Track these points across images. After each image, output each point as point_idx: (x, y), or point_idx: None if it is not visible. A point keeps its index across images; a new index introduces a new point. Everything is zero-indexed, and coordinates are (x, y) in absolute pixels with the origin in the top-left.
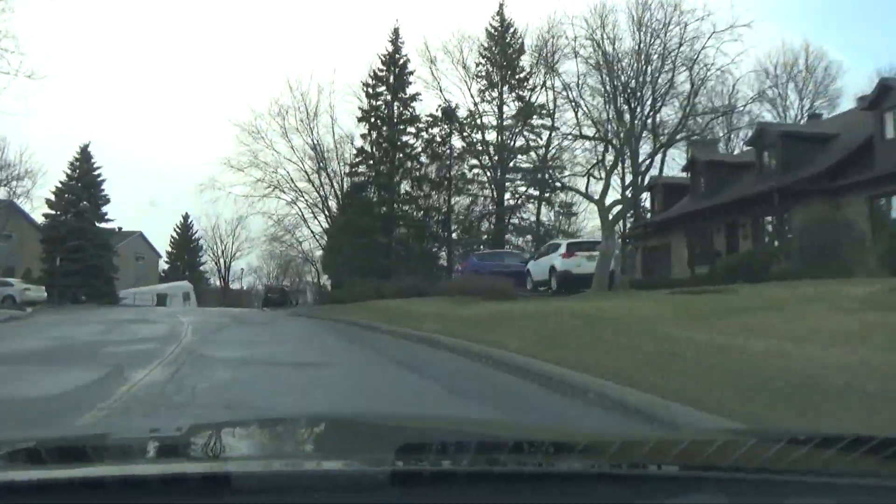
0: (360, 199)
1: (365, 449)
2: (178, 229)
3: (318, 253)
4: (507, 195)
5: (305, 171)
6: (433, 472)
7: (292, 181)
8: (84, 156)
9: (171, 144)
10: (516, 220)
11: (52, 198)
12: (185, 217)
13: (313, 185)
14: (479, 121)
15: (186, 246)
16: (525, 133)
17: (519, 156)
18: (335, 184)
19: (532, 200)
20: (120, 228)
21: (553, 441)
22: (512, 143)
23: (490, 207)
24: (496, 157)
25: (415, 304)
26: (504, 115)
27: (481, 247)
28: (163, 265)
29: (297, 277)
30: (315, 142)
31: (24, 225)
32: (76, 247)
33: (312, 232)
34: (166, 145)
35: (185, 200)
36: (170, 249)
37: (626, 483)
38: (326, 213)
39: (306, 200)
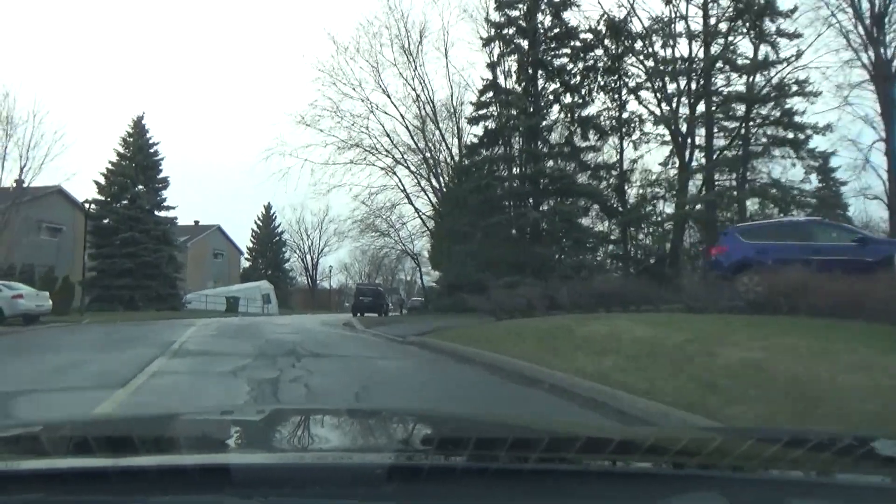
0: (489, 159)
1: (365, 443)
2: (259, 222)
3: (422, 243)
4: (719, 141)
5: (407, 128)
6: (431, 466)
7: (388, 137)
8: (138, 129)
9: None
10: (727, 181)
11: (102, 181)
12: (268, 208)
13: (418, 149)
14: (670, 29)
15: (269, 241)
16: (753, 41)
17: (733, 75)
18: (447, 144)
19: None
20: (197, 222)
21: (551, 438)
22: (722, 57)
23: (692, 160)
24: (699, 82)
25: (689, 335)
26: (712, 19)
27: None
28: (244, 263)
29: (391, 275)
30: (420, 81)
31: (77, 217)
32: (128, 239)
33: (417, 210)
34: (240, 126)
35: (270, 190)
36: (251, 245)
37: (625, 481)
38: (437, 183)
39: (410, 166)
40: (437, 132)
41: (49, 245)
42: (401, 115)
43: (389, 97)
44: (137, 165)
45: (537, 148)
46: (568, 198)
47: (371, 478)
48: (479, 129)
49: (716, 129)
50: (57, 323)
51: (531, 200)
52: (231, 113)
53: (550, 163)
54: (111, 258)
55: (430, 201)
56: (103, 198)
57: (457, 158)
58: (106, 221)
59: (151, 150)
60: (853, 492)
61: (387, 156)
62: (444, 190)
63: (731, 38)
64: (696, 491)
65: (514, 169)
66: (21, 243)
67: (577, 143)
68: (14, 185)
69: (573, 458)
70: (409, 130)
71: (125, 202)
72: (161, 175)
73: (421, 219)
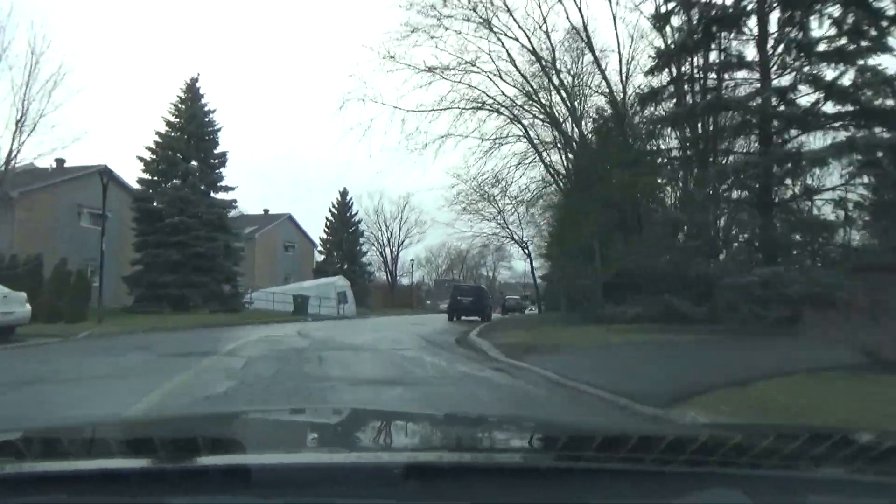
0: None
1: (384, 443)
2: (333, 210)
3: (529, 231)
4: None
5: (524, 76)
6: (448, 465)
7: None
8: (191, 94)
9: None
10: None
11: (148, 156)
12: (343, 195)
13: (538, 101)
14: None
15: (345, 231)
16: None
17: None
18: (566, 97)
19: None
20: (266, 211)
21: (569, 436)
22: None
23: None
24: None
25: None
26: None
27: None
28: (317, 256)
29: (471, 272)
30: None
31: (125, 202)
32: (176, 226)
33: (551, 168)
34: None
35: (346, 165)
36: (325, 236)
37: (643, 478)
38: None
39: (534, 117)
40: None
41: (93, 235)
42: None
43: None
44: (190, 137)
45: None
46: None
47: (389, 477)
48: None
49: None
50: (41, 338)
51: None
52: (301, 94)
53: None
54: (157, 248)
55: (560, 171)
56: (149, 176)
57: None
58: (154, 205)
59: (207, 120)
60: (875, 489)
61: (505, 106)
62: (578, 151)
63: None
64: (715, 488)
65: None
66: (56, 232)
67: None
68: (53, 164)
69: (591, 456)
70: (525, 80)
71: (175, 182)
72: (218, 150)
73: (555, 180)
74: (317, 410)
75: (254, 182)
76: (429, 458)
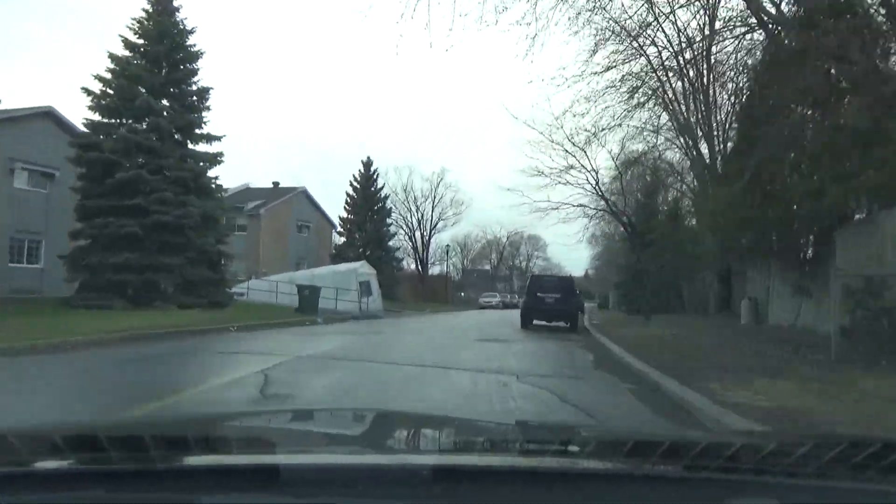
0: None
1: (413, 444)
2: (355, 184)
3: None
4: None
5: None
6: (475, 467)
7: None
8: (161, 5)
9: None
10: None
11: (98, 88)
12: (367, 165)
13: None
14: None
15: (369, 209)
16: None
17: None
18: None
19: None
20: (277, 184)
21: (598, 441)
22: None
23: None
24: None
25: None
26: None
27: None
28: (337, 239)
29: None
30: None
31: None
32: (131, 183)
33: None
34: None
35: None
36: (345, 215)
37: (676, 485)
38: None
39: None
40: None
41: (35, 200)
42: None
43: None
44: (156, 62)
45: None
46: None
47: (417, 479)
48: None
49: None
50: None
51: None
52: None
53: None
54: (106, 216)
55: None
56: (98, 116)
57: None
58: (103, 155)
59: (181, 41)
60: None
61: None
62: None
63: None
64: (749, 496)
65: None
66: None
67: None
68: None
69: (622, 461)
70: None
71: (132, 123)
72: (198, 84)
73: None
74: (346, 412)
75: (264, 152)
76: (456, 460)
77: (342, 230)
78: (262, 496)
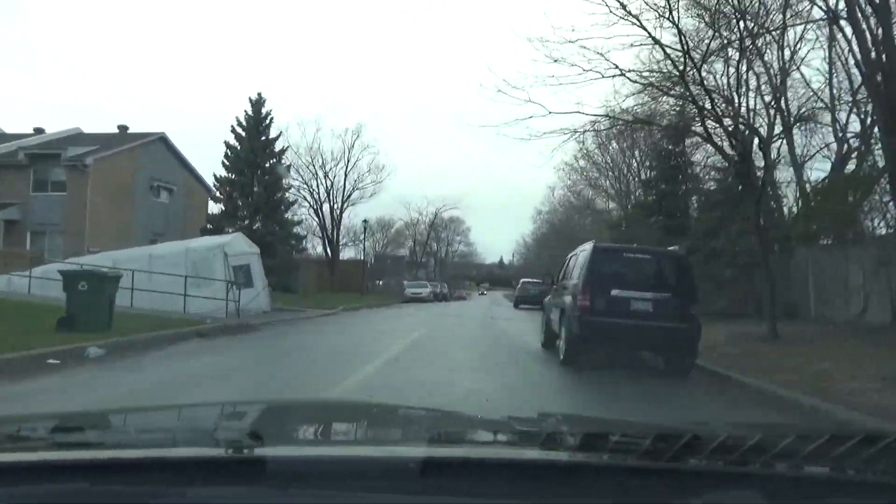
0: None
1: (401, 437)
2: (239, 129)
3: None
4: None
5: None
6: (464, 460)
7: None
8: None
9: None
10: None
11: None
12: (256, 104)
13: None
14: None
15: (257, 166)
16: None
17: None
18: None
19: None
20: (125, 129)
21: (586, 433)
22: None
23: None
24: None
25: None
26: None
27: None
28: (213, 208)
29: (424, 238)
30: None
31: None
32: None
33: None
34: None
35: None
36: (224, 173)
37: (662, 477)
38: None
39: None
40: None
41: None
42: None
43: None
44: None
45: None
46: None
47: (406, 471)
48: None
49: None
50: None
51: None
52: None
53: None
54: None
55: None
56: None
57: None
58: None
59: None
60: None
61: None
62: None
63: None
64: (733, 488)
65: None
66: None
67: None
68: None
69: (606, 453)
70: None
71: None
72: None
73: None
74: (337, 404)
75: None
76: (446, 453)
77: (220, 194)
78: (249, 489)
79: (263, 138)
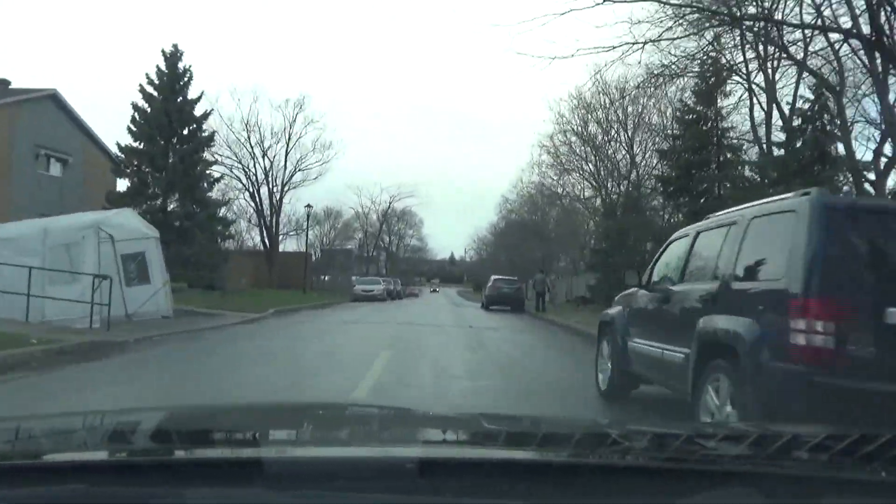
0: None
1: (397, 438)
2: (150, 88)
3: None
4: None
5: None
6: (461, 461)
7: None
8: None
9: None
10: None
11: None
12: (171, 58)
13: None
14: None
15: (172, 133)
16: None
17: None
18: None
19: None
20: (6, 83)
21: (583, 433)
22: None
23: None
24: None
25: None
26: None
27: None
28: (119, 184)
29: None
30: None
31: None
32: None
33: None
34: None
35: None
36: (130, 142)
37: (660, 476)
38: None
39: None
40: None
41: None
42: None
43: None
44: None
45: None
46: None
47: (402, 472)
48: None
49: None
50: None
51: None
52: None
53: None
54: None
55: None
56: None
57: None
58: None
59: None
60: (893, 489)
61: None
62: None
63: None
64: (731, 486)
65: None
66: None
67: None
68: None
69: (605, 452)
70: None
71: None
72: None
73: None
74: (333, 406)
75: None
76: (443, 453)
77: (125, 167)
78: (246, 490)
79: (180, 99)
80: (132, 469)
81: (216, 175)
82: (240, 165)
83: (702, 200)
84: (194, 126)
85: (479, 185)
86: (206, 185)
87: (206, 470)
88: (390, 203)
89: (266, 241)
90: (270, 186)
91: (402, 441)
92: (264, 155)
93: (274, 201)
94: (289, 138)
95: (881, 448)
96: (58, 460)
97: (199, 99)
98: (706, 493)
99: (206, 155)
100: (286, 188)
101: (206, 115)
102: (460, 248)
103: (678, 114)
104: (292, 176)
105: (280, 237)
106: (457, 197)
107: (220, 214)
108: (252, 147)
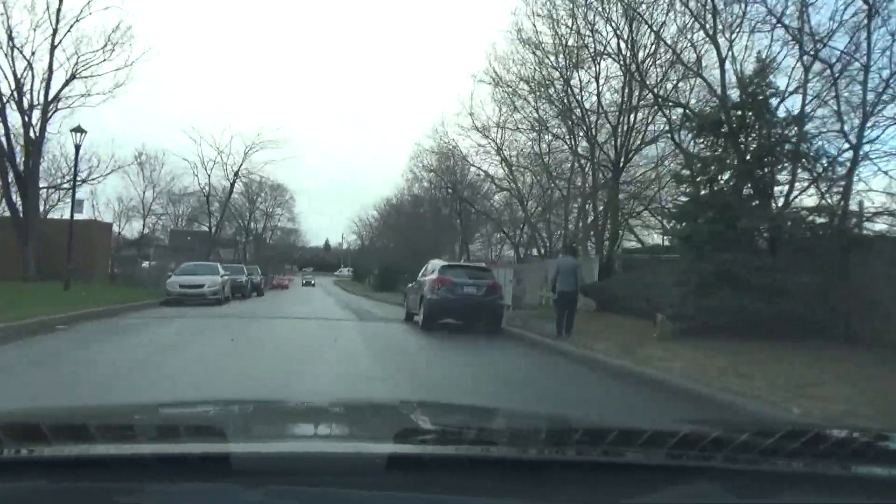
0: None
1: (367, 432)
2: None
3: None
4: None
5: None
6: (430, 456)
7: None
8: None
9: None
10: None
11: None
12: None
13: None
14: None
15: None
16: None
17: None
18: None
19: None
20: None
21: (551, 428)
22: None
23: None
24: None
25: None
26: None
27: None
28: None
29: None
30: None
31: None
32: None
33: None
34: None
35: None
36: None
37: (622, 471)
38: None
39: None
40: None
41: None
42: None
43: None
44: None
45: None
46: None
47: (372, 467)
48: None
49: None
50: None
51: None
52: None
53: None
54: None
55: None
56: None
57: None
58: None
59: None
60: (847, 483)
61: None
62: None
63: None
64: (695, 482)
65: None
66: None
67: None
68: None
69: (572, 449)
70: None
71: None
72: None
73: None
74: (302, 400)
75: None
76: (412, 449)
77: None
78: (213, 485)
79: None
80: (94, 464)
81: None
82: None
83: None
84: None
85: (356, 173)
86: None
87: (172, 465)
88: (245, 155)
89: (16, 199)
90: (27, 104)
91: (373, 436)
92: (15, 48)
93: (33, 130)
94: (57, 15)
95: (838, 444)
96: (13, 455)
97: None
98: (671, 488)
99: None
100: (52, 106)
101: None
102: (337, 234)
103: None
104: (65, 84)
105: (51, 193)
106: (333, 184)
107: None
108: None
